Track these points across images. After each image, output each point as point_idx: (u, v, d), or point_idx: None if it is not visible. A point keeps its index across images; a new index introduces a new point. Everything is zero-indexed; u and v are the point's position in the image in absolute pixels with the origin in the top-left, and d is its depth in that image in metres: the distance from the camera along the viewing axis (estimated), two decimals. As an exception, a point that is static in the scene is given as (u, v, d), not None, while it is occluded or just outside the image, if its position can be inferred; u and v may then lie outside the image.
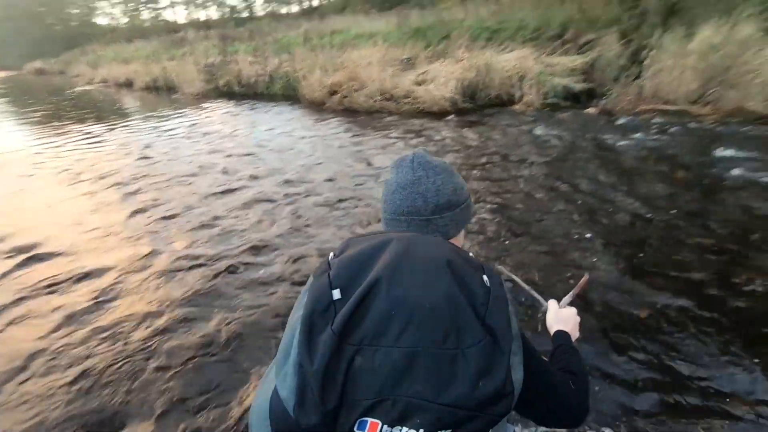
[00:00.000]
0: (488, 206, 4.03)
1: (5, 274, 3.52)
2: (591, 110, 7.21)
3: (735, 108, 6.07)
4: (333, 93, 9.67)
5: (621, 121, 6.50)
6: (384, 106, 8.72)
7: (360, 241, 0.63)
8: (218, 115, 10.57)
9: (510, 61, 8.48)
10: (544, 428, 1.65)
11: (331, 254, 0.63)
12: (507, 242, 3.41)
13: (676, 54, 6.82)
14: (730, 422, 1.82)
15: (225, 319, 2.76)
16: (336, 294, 0.54)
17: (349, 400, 0.50)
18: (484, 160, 5.39)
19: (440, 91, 8.16)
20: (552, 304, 1.17)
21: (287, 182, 5.22)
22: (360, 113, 8.86)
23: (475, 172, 5.03)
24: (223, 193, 5.05)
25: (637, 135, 5.77)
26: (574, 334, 1.06)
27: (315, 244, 3.65)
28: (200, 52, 17.65)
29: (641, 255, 3.07)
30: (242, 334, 2.61)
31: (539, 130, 6.39)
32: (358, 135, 7.18)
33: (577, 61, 8.20)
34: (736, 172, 4.33)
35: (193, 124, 9.51)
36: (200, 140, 7.87)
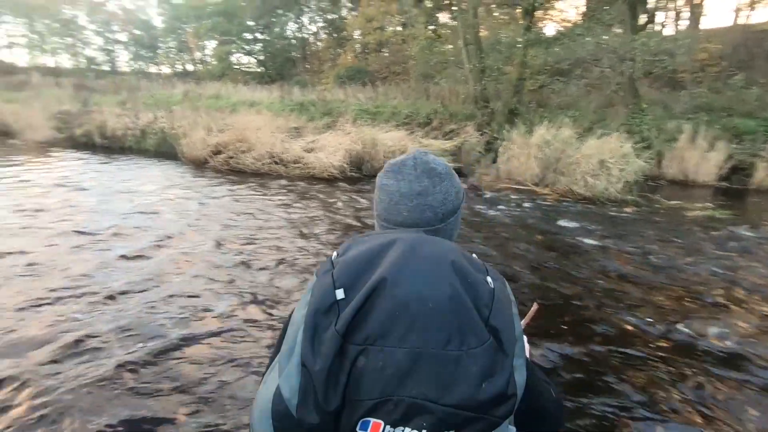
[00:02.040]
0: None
1: None
2: (463, 185, 8.34)
3: (566, 189, 7.69)
4: (217, 152, 9.42)
5: (487, 195, 7.66)
6: (273, 169, 8.78)
7: (364, 240, 0.62)
8: (80, 165, 9.32)
9: (390, 139, 9.46)
10: None
11: (335, 253, 0.61)
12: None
13: (521, 145, 8.47)
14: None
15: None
16: (339, 294, 0.53)
17: (351, 400, 0.50)
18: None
19: (330, 159, 8.60)
20: None
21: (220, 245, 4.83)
22: (247, 174, 8.75)
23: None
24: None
25: (501, 207, 6.85)
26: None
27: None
28: (49, 97, 15.66)
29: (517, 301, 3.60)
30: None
31: (423, 199, 7.14)
32: (255, 194, 7.06)
33: (447, 144, 9.55)
34: (578, 237, 5.43)
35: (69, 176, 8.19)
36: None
